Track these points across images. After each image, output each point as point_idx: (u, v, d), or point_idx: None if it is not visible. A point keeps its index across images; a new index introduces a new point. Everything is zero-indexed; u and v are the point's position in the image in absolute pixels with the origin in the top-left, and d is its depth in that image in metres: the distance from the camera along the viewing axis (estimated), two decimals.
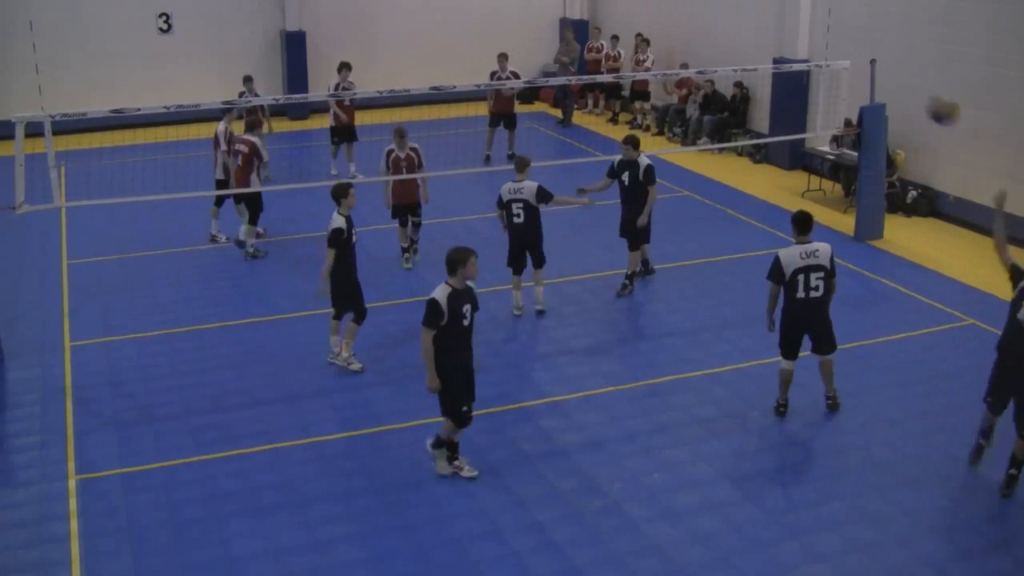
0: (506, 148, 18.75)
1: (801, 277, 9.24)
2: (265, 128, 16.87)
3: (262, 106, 16.61)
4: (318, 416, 9.83)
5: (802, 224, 9.44)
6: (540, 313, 12.05)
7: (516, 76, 18.42)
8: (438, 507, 8.31)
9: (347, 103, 17.46)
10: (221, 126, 14.20)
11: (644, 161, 12.29)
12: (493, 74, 18.69)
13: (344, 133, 17.72)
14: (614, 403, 10.02)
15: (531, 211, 11.70)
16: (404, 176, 13.05)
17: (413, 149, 13.17)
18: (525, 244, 11.86)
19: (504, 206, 11.79)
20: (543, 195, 11.61)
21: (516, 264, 12.00)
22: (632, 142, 12.44)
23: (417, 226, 13.62)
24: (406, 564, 7.64)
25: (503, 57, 18.78)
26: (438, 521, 8.13)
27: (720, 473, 8.83)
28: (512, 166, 12.02)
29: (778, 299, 9.46)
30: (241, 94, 17.05)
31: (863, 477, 8.80)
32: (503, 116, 18.75)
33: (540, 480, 8.71)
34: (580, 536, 7.96)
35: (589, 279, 13.13)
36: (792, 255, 9.30)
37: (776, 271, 9.37)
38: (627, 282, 12.67)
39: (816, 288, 9.29)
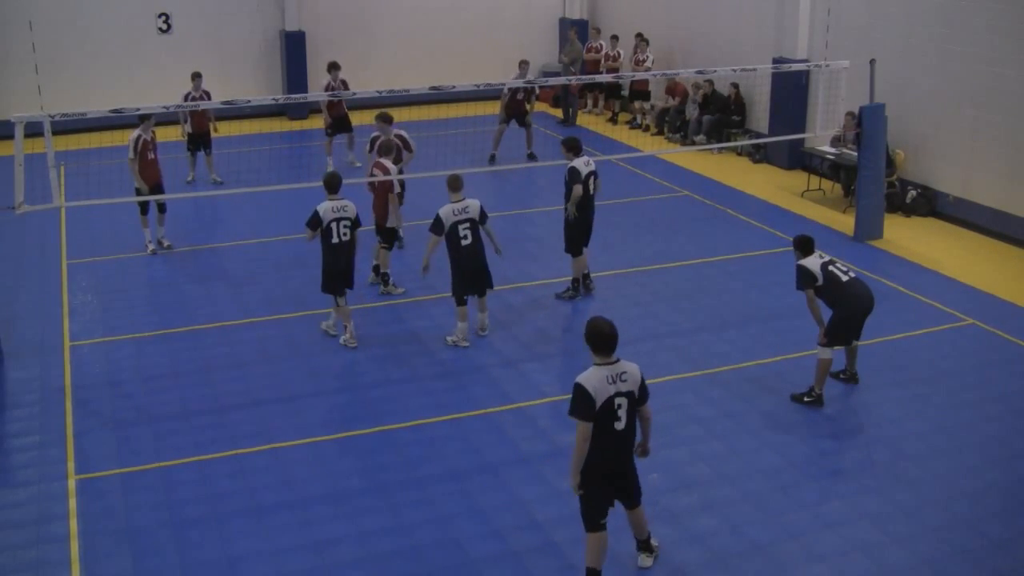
0: (509, 148, 18.68)
1: (834, 268, 9.74)
2: (210, 126, 17.01)
3: (207, 110, 16.45)
4: (318, 416, 9.83)
5: (807, 246, 9.88)
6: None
7: (530, 89, 18.59)
8: (437, 507, 8.31)
9: (337, 101, 17.70)
10: (136, 133, 13.79)
11: (568, 164, 12.14)
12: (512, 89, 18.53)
13: (337, 125, 17.99)
14: None
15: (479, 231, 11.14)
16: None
17: (399, 136, 13.04)
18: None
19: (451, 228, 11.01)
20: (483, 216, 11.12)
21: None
22: (563, 144, 12.36)
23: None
24: (405, 564, 7.64)
25: (524, 64, 18.64)
26: (437, 521, 8.13)
27: (719, 473, 8.83)
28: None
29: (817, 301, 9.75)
30: (187, 95, 16.81)
31: (862, 477, 8.81)
32: (515, 115, 18.73)
33: (540, 480, 8.70)
34: (580, 536, 7.91)
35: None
36: (811, 260, 9.76)
37: (806, 277, 9.71)
38: (573, 287, 12.60)
39: (848, 271, 9.82)
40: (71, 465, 8.96)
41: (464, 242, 11.01)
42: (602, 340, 6.86)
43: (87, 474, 8.82)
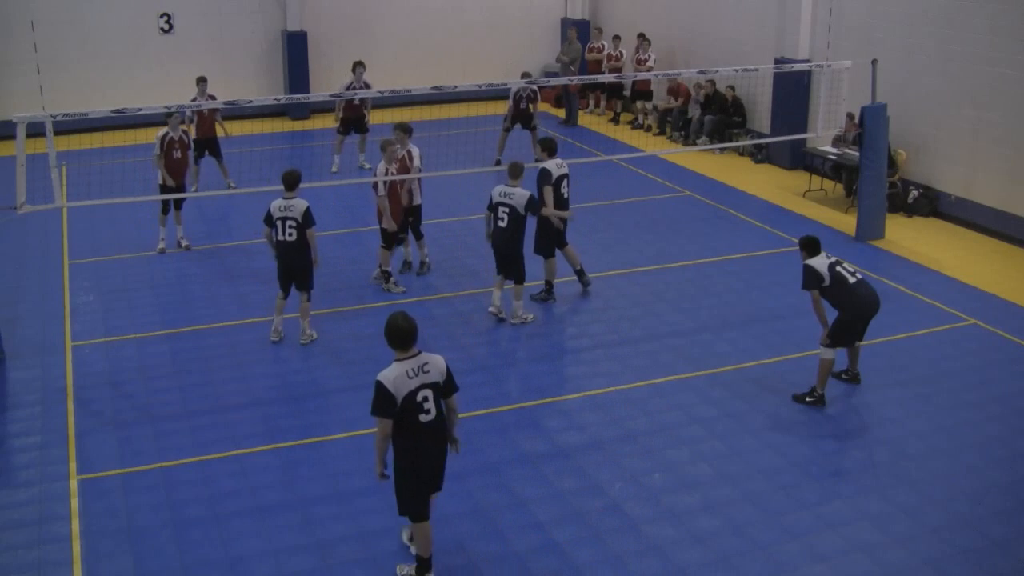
0: (512, 150, 18.63)
1: (840, 269, 9.73)
2: (219, 131, 16.66)
3: (215, 109, 16.14)
4: (318, 416, 9.83)
5: (814, 247, 9.86)
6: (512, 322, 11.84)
7: (535, 94, 18.45)
8: (438, 507, 8.29)
9: (356, 102, 17.52)
10: (163, 131, 13.83)
11: (540, 165, 12.19)
12: (515, 95, 18.31)
13: (353, 123, 17.82)
14: (615, 403, 10.02)
15: (517, 218, 11.46)
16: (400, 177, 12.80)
17: (408, 153, 12.93)
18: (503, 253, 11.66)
19: (492, 208, 11.60)
20: (532, 205, 11.45)
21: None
22: (539, 144, 12.43)
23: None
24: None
25: (525, 75, 18.58)
26: (438, 521, 8.11)
27: (720, 473, 8.83)
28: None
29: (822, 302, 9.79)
30: (193, 99, 16.38)
31: (863, 477, 8.82)
32: (519, 119, 18.66)
33: (540, 480, 8.71)
34: (580, 536, 7.97)
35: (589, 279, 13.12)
36: (818, 261, 9.75)
37: (813, 277, 9.71)
38: (547, 289, 12.57)
39: (855, 273, 9.81)
40: (73, 465, 8.97)
41: (500, 223, 11.47)
42: (399, 335, 6.96)
43: (88, 474, 8.83)
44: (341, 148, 18.02)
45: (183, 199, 14.35)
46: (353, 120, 17.86)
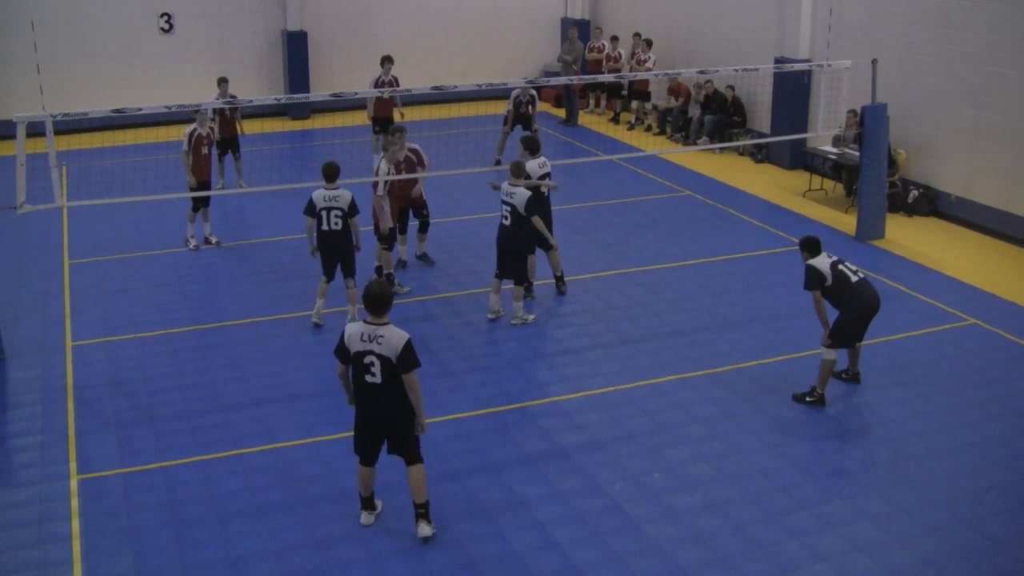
0: (512, 150, 18.59)
1: (843, 267, 9.73)
2: (238, 129, 16.74)
3: (233, 108, 16.20)
4: (318, 416, 9.83)
5: (815, 247, 9.84)
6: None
7: (534, 99, 18.36)
8: (437, 507, 8.30)
9: (386, 97, 17.51)
10: (191, 127, 13.95)
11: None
12: (515, 98, 18.24)
13: (383, 123, 17.73)
14: (614, 403, 10.02)
15: (517, 218, 11.47)
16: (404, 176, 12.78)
17: (413, 151, 12.91)
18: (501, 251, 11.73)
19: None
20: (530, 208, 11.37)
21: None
22: (521, 143, 12.41)
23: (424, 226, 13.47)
24: (406, 564, 7.64)
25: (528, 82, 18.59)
26: (438, 521, 8.12)
27: (720, 473, 8.83)
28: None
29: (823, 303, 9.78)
30: (217, 100, 16.38)
31: (863, 477, 8.82)
32: (519, 121, 18.59)
33: (540, 480, 8.71)
34: (580, 536, 7.97)
35: (590, 279, 13.14)
36: (820, 260, 9.74)
37: (815, 277, 9.69)
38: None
39: (857, 272, 9.80)
40: (73, 465, 8.97)
41: (504, 221, 11.55)
42: (367, 300, 7.49)
43: (89, 474, 8.83)
44: (378, 147, 17.92)
45: (209, 197, 14.33)
46: (384, 119, 17.73)
